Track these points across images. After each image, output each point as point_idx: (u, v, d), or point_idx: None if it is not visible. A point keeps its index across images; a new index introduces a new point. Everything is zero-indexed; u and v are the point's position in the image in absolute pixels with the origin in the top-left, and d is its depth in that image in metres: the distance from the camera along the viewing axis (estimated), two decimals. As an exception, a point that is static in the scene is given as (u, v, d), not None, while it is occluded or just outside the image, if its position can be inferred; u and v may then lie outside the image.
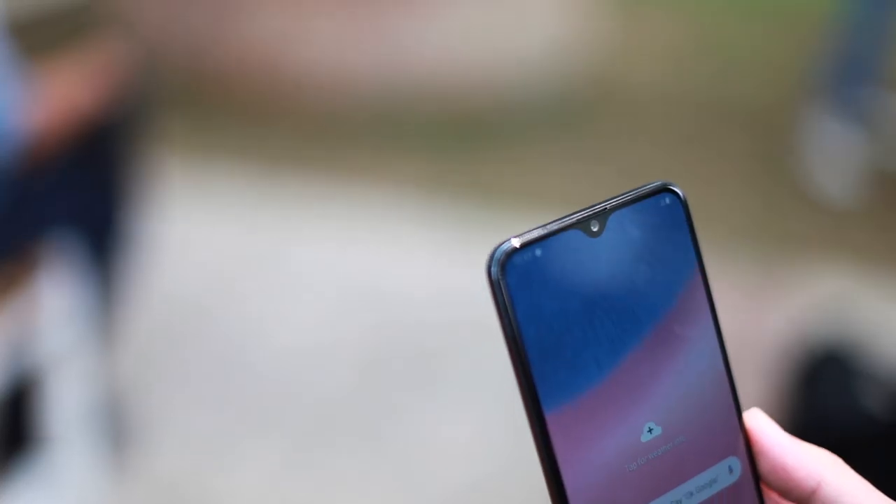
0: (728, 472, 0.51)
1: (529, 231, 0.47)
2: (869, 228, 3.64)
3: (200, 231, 3.39)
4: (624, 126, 4.33)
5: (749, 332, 2.88)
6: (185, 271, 3.15)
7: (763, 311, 3.01)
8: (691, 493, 0.50)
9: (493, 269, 0.46)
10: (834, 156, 3.88)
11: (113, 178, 2.31)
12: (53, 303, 2.15)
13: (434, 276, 3.16)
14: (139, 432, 2.50)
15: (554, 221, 0.48)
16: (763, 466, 0.51)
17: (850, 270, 3.32)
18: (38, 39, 3.95)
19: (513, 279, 0.46)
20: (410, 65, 4.35)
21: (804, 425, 1.89)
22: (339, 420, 2.65)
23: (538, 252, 0.47)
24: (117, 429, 2.44)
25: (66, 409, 2.21)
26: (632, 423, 0.48)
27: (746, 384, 2.64)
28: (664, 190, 0.51)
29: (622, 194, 0.50)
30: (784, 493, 0.51)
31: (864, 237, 3.57)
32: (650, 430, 0.49)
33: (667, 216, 0.50)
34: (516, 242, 0.46)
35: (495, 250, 0.46)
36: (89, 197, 2.28)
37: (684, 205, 0.51)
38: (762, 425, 0.52)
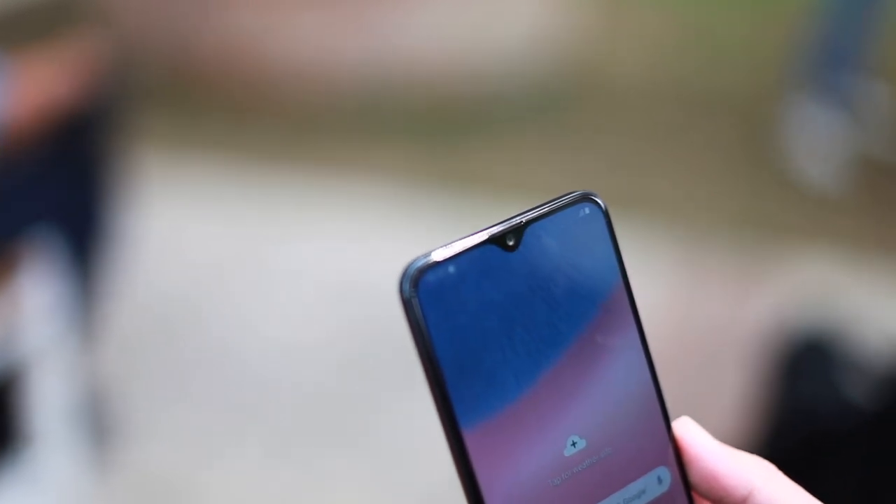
0: (657, 482, 0.51)
1: (443, 247, 0.46)
2: (852, 216, 3.64)
3: (183, 226, 3.38)
4: (607, 116, 4.32)
5: (732, 321, 2.88)
6: (168, 266, 3.14)
7: (746, 299, 3.00)
8: None
9: (404, 286, 0.46)
10: (817, 143, 3.89)
11: (91, 172, 2.30)
12: (34, 299, 2.14)
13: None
14: (122, 428, 2.49)
15: (468, 236, 0.47)
16: (694, 475, 0.51)
17: (834, 258, 3.32)
18: (17, 32, 3.93)
19: (425, 296, 0.46)
20: (393, 57, 4.34)
21: (786, 416, 1.89)
22: (323, 416, 2.65)
23: (451, 269, 0.46)
24: (100, 425, 2.44)
25: (48, 406, 2.20)
26: (554, 437, 0.48)
27: (728, 374, 2.64)
28: (583, 199, 0.50)
29: (539, 206, 0.49)
30: (716, 501, 0.50)
31: (848, 224, 3.58)
32: (574, 444, 0.48)
33: (587, 226, 0.50)
34: (428, 260, 0.46)
35: (407, 268, 0.46)
36: (68, 192, 2.27)
37: (605, 214, 0.50)
38: (692, 433, 0.51)
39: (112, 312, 2.62)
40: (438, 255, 0.46)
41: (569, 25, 4.74)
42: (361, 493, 2.44)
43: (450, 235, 0.47)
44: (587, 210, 0.50)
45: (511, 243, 0.48)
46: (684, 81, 4.58)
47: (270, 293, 3.08)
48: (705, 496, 0.51)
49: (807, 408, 1.87)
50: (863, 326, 2.24)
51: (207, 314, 2.97)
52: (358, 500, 2.43)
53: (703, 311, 2.93)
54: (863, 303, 2.78)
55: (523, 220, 0.48)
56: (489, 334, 0.46)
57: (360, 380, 2.76)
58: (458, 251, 0.46)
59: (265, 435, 2.59)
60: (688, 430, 0.51)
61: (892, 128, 4.00)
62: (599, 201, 0.50)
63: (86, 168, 2.31)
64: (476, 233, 0.47)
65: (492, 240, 0.47)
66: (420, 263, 0.46)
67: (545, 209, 0.49)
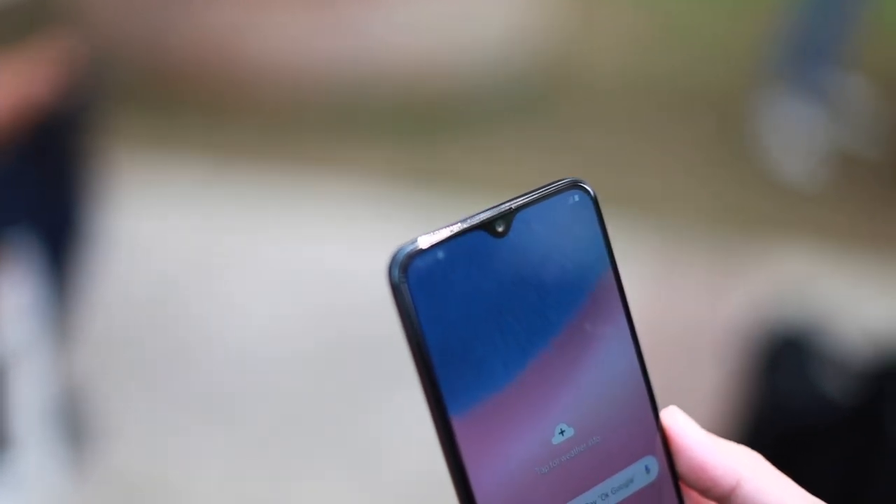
0: (645, 471, 0.51)
1: (432, 233, 0.46)
2: (830, 210, 3.65)
3: (160, 225, 3.36)
4: (585, 112, 4.32)
5: (709, 316, 2.88)
6: (144, 266, 3.13)
7: (724, 294, 3.01)
8: (607, 495, 0.50)
9: (393, 272, 0.45)
10: (795, 138, 3.90)
11: (66, 172, 2.29)
12: (11, 300, 2.12)
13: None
14: (98, 429, 2.48)
15: (457, 222, 0.47)
16: (681, 465, 0.51)
17: (811, 252, 3.33)
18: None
19: (414, 282, 0.45)
20: (370, 54, 4.33)
21: (764, 411, 1.89)
22: (301, 413, 2.64)
23: (440, 255, 0.46)
24: (77, 425, 2.43)
25: (25, 407, 2.19)
26: (542, 425, 0.48)
27: (706, 370, 2.63)
28: (572, 187, 0.50)
29: (528, 192, 0.49)
30: (703, 491, 0.50)
31: (826, 219, 3.59)
32: (562, 432, 0.48)
33: (576, 214, 0.49)
34: (417, 245, 0.46)
35: (396, 253, 0.46)
36: (44, 192, 2.26)
37: (594, 201, 0.50)
38: (680, 423, 0.51)
39: (88, 313, 2.61)
40: (428, 240, 0.46)
41: (545, 22, 4.74)
42: (340, 489, 2.43)
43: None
44: (576, 197, 0.50)
45: (500, 229, 0.47)
46: (661, 77, 4.59)
47: (248, 292, 3.07)
48: (693, 486, 0.51)
49: (784, 403, 1.87)
50: (841, 321, 2.24)
51: (184, 314, 2.96)
52: (337, 496, 2.42)
53: (680, 306, 2.94)
54: (840, 297, 2.79)
55: (513, 206, 0.48)
56: (478, 321, 0.46)
57: (338, 377, 2.75)
58: (447, 237, 0.46)
59: (243, 433, 2.58)
60: (676, 420, 0.51)
61: (869, 122, 4.02)
62: (589, 188, 0.50)
63: (62, 168, 2.30)
64: (465, 219, 0.47)
65: (481, 226, 0.47)
66: (409, 249, 0.45)
67: (534, 196, 0.49)
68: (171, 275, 3.14)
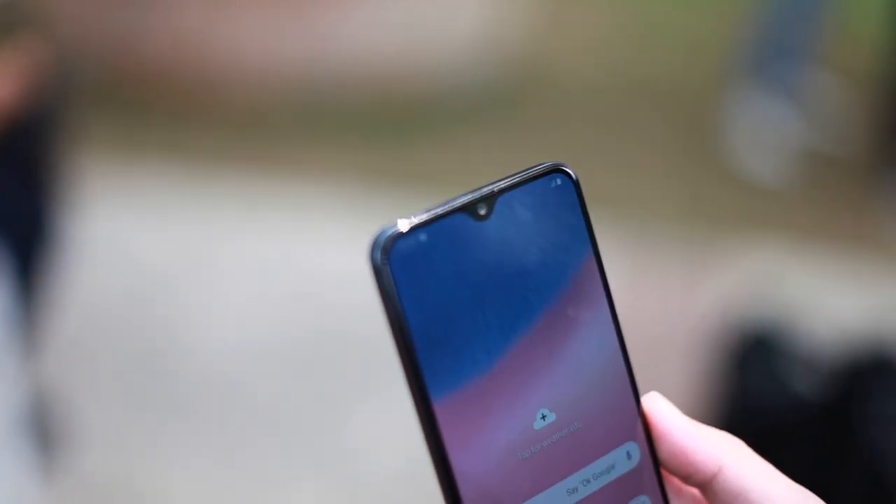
0: (626, 457, 0.50)
1: (414, 215, 0.46)
2: (798, 208, 3.67)
3: (130, 230, 3.34)
4: (557, 111, 4.33)
5: (678, 315, 2.89)
6: (115, 271, 3.11)
7: (693, 293, 3.02)
8: (588, 481, 0.49)
9: (375, 254, 0.45)
10: (764, 135, 3.91)
11: (35, 176, 2.28)
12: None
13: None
14: (69, 434, 2.47)
15: (440, 205, 0.47)
16: (663, 451, 0.50)
17: (782, 250, 3.34)
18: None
19: (396, 265, 0.45)
20: (340, 56, 4.32)
21: (735, 411, 1.90)
22: (275, 417, 2.64)
23: (423, 237, 0.46)
24: (48, 431, 2.41)
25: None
26: (524, 410, 0.47)
27: (675, 368, 2.64)
28: (555, 171, 0.49)
29: (511, 175, 0.49)
30: (685, 477, 0.50)
31: (794, 217, 3.60)
32: (543, 417, 0.48)
33: (558, 198, 0.49)
34: (400, 227, 0.45)
35: (378, 235, 0.45)
36: (12, 198, 2.24)
37: (576, 185, 0.50)
38: (661, 409, 0.51)
39: (59, 318, 2.60)
40: (410, 222, 0.46)
41: (515, 21, 4.74)
42: (317, 493, 2.43)
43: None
44: (559, 181, 0.49)
45: (482, 212, 0.47)
46: (631, 76, 4.60)
47: (219, 295, 3.06)
48: (674, 472, 0.51)
49: (754, 401, 1.88)
50: (810, 319, 2.25)
51: (156, 318, 2.95)
52: (312, 498, 2.42)
53: (650, 304, 2.95)
54: (810, 295, 2.80)
55: (495, 189, 0.48)
56: (460, 304, 0.46)
57: (312, 380, 2.75)
58: (429, 219, 0.46)
59: (217, 438, 2.58)
60: (657, 406, 0.51)
61: (838, 119, 4.04)
62: (571, 172, 0.50)
63: (30, 172, 2.28)
64: (448, 202, 0.47)
65: (463, 208, 0.47)
66: (391, 231, 0.45)
67: (517, 179, 0.49)
68: (142, 278, 3.12)
